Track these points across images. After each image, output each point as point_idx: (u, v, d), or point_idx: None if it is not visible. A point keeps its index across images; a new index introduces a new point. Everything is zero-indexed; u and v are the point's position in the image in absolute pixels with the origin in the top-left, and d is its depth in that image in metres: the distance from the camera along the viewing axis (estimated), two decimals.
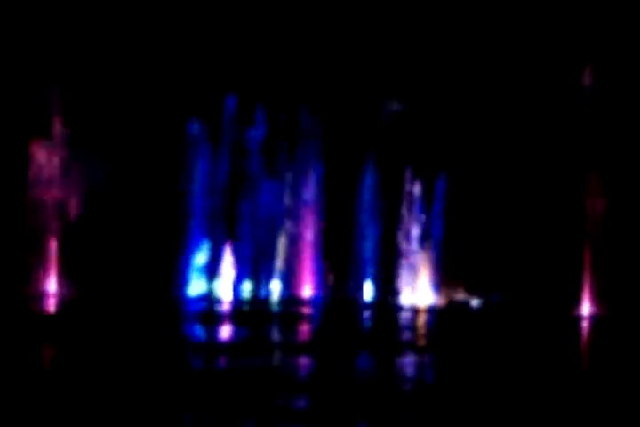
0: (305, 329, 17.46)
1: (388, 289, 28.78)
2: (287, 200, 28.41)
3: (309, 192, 28.31)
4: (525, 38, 26.73)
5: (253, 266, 28.75)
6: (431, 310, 25.60)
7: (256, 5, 27.11)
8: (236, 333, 15.81)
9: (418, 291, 28.37)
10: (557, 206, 26.13)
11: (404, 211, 28.50)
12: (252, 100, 26.74)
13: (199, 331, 15.68)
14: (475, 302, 26.85)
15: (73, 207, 25.48)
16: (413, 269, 28.42)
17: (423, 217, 28.14)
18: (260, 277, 28.91)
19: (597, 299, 25.28)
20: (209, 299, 26.46)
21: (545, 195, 26.63)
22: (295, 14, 27.03)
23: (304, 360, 11.59)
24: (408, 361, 11.96)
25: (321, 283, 28.69)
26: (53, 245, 25.15)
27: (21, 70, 25.16)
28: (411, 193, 28.33)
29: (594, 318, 23.84)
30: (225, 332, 15.98)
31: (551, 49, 26.56)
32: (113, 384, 8.68)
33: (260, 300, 27.40)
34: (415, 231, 28.45)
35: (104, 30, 26.03)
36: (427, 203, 28.21)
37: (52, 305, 21.34)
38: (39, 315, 17.61)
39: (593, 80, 25.97)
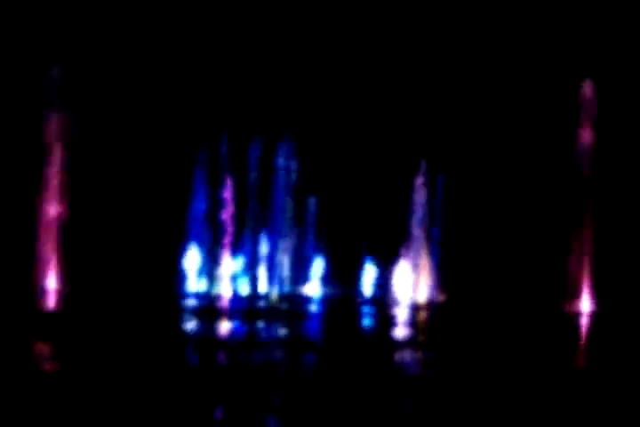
0: (305, 325, 17.51)
1: (387, 286, 28.82)
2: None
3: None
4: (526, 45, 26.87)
5: (252, 264, 28.80)
6: (430, 307, 25.65)
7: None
8: (234, 329, 15.85)
9: (418, 287, 28.41)
10: (555, 202, 26.18)
11: (408, 209, 28.57)
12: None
13: (198, 326, 15.72)
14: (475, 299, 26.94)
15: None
16: (414, 266, 28.45)
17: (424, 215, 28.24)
18: (259, 275, 28.96)
19: (595, 295, 25.35)
20: (208, 295, 26.50)
21: (543, 193, 26.69)
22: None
23: (304, 356, 11.64)
24: (406, 357, 12.02)
25: (322, 280, 28.74)
26: (55, 242, 25.22)
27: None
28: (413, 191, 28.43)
29: (592, 315, 23.91)
30: (223, 328, 16.02)
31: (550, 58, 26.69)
32: (112, 379, 8.74)
33: (258, 296, 27.42)
34: (416, 228, 28.51)
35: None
36: (428, 200, 28.30)
37: (52, 301, 21.40)
38: (39, 311, 17.65)
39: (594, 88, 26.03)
